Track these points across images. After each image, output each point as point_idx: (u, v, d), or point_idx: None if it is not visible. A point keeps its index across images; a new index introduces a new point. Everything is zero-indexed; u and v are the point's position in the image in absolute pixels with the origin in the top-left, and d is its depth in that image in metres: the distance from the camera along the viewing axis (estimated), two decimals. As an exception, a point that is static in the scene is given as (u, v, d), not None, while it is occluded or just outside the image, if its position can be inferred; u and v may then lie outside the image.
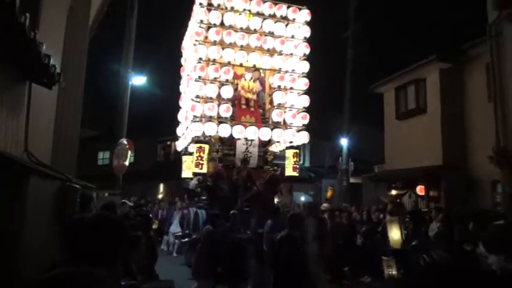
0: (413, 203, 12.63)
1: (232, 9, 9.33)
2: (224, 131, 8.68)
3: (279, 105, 9.36)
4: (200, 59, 8.89)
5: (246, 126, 8.82)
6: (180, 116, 11.02)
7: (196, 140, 8.79)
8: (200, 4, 9.26)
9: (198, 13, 9.26)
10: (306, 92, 9.76)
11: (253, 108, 9.44)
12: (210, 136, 8.80)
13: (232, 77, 9.25)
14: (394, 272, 5.83)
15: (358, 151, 19.22)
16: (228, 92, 8.89)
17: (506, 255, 1.90)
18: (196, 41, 9.03)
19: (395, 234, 6.66)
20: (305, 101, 9.64)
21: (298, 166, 9.44)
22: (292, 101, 9.51)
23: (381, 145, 15.39)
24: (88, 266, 1.50)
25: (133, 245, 4.07)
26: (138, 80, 13.00)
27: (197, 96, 8.84)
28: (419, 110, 13.17)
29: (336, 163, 19.01)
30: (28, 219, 2.78)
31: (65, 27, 4.42)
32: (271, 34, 9.59)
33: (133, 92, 12.42)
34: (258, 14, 9.56)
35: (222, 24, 9.21)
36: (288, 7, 9.77)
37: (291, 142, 9.40)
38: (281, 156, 9.84)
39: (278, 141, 9.52)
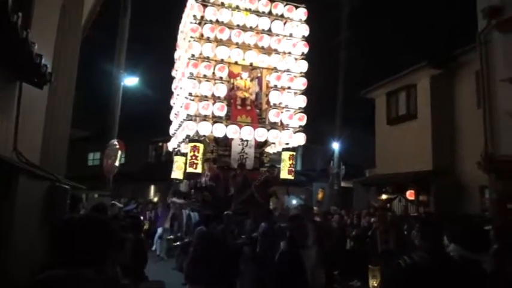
0: (403, 208, 12.74)
1: (228, 5, 9.08)
2: (219, 130, 8.43)
3: (276, 105, 9.09)
4: (193, 55, 8.62)
5: (241, 126, 8.58)
6: (172, 115, 10.81)
7: (190, 139, 8.52)
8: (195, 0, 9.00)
9: (192, 9, 9.02)
10: (304, 93, 9.54)
11: (249, 107, 9.20)
12: (204, 136, 8.55)
13: (228, 76, 9.02)
14: (377, 284, 5.83)
15: (349, 155, 19.36)
16: (222, 90, 8.63)
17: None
18: (191, 37, 8.79)
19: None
20: (302, 101, 9.42)
21: (294, 169, 9.16)
22: (289, 101, 9.26)
23: (372, 150, 15.50)
24: (77, 267, 1.50)
25: (120, 247, 4.03)
26: (130, 80, 12.95)
27: (190, 94, 8.57)
28: (410, 116, 13.31)
29: (328, 167, 19.11)
30: (17, 220, 2.75)
31: (57, 26, 4.40)
32: (268, 32, 9.34)
33: (125, 92, 12.37)
34: (255, 11, 9.30)
35: (217, 21, 8.96)
36: (285, 5, 9.55)
37: (287, 144, 9.16)
38: (276, 159, 9.57)
39: (274, 143, 9.31)
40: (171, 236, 10.34)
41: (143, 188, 22.15)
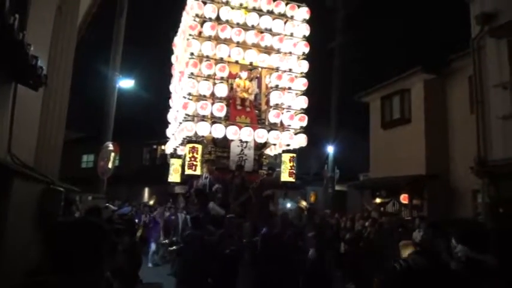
0: (397, 211, 12.80)
1: (228, 3, 8.85)
2: (218, 131, 8.19)
3: (276, 106, 8.87)
4: (192, 54, 8.40)
5: (241, 127, 8.35)
6: (170, 117, 10.57)
7: (188, 140, 8.33)
8: None
9: (192, 7, 8.78)
10: (305, 93, 9.32)
11: (249, 108, 8.96)
12: (202, 137, 8.34)
13: (227, 76, 8.76)
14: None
15: (343, 159, 19.44)
16: (222, 90, 8.41)
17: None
18: (190, 35, 8.57)
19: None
20: (303, 102, 9.19)
21: (294, 171, 8.94)
22: (290, 102, 9.03)
23: (366, 153, 15.58)
24: (69, 271, 1.49)
25: (112, 250, 4.01)
26: (126, 83, 12.89)
27: (189, 94, 8.33)
28: (404, 120, 13.40)
29: (322, 170, 19.17)
30: (10, 222, 2.73)
31: (52, 28, 4.38)
32: (269, 31, 9.08)
33: (120, 94, 12.29)
34: (255, 9, 9.08)
35: (217, 18, 8.73)
36: (287, 4, 9.28)
37: (287, 145, 8.93)
38: (273, 163, 9.41)
39: (274, 144, 9.07)
40: (167, 241, 10.22)
41: (137, 190, 22.04)
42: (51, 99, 4.42)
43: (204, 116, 8.27)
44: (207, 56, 8.50)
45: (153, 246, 10.89)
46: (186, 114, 8.28)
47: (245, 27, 8.89)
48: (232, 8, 8.82)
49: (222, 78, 8.54)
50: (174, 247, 7.93)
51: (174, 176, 9.42)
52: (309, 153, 20.90)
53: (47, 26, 4.20)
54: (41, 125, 4.16)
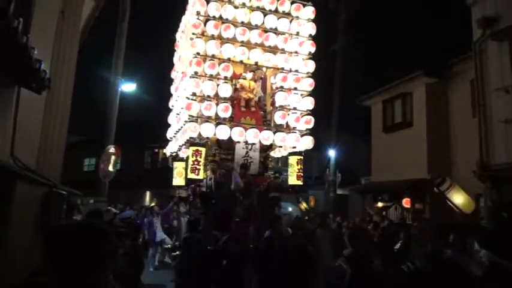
0: (400, 216, 12.76)
1: (232, 2, 8.64)
2: (222, 132, 7.93)
3: (282, 107, 8.64)
4: (198, 53, 8.18)
5: (246, 128, 8.10)
6: (171, 118, 10.37)
7: (192, 143, 8.09)
8: None
9: (194, 5, 8.56)
10: (311, 94, 9.04)
11: (254, 109, 8.72)
12: (207, 138, 8.11)
13: (231, 76, 8.49)
14: None
15: (345, 163, 19.41)
16: (226, 90, 8.17)
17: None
18: (193, 34, 8.33)
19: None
20: (309, 103, 8.91)
21: (302, 174, 8.61)
22: (296, 103, 8.77)
23: (368, 157, 15.56)
24: (70, 272, 1.49)
25: (114, 253, 3.99)
26: (128, 86, 12.94)
27: (193, 94, 8.11)
28: (405, 124, 13.39)
29: (324, 174, 19.14)
30: (13, 225, 2.73)
31: (55, 32, 4.41)
32: (274, 30, 8.83)
33: (122, 98, 12.34)
34: (260, 8, 8.94)
35: (221, 17, 8.51)
36: (292, 3, 9.04)
37: (293, 147, 8.65)
38: (276, 168, 9.14)
39: (280, 146, 8.78)
40: (169, 246, 10.13)
41: (139, 194, 22.04)
42: (54, 102, 4.44)
43: (208, 117, 8.04)
44: (212, 56, 8.26)
45: (150, 250, 10.84)
46: (190, 115, 8.05)
47: (249, 26, 8.67)
48: (236, 8, 8.64)
49: (225, 78, 8.32)
50: (177, 252, 7.80)
51: (178, 180, 9.16)
52: (310, 156, 20.93)
53: (50, 29, 4.22)
54: (44, 128, 4.18)
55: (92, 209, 5.97)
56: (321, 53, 9.48)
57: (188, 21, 9.36)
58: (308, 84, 9.00)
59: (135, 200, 19.50)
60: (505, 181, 8.13)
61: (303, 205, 9.21)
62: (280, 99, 8.63)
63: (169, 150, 10.31)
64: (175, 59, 10.91)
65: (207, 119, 8.01)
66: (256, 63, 8.80)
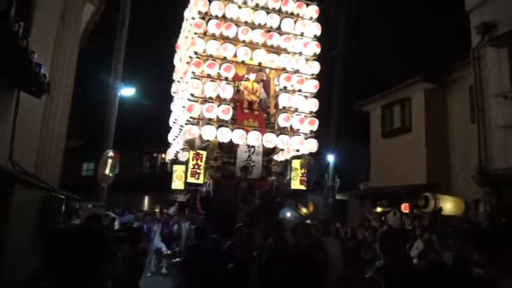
0: (399, 221, 12.74)
1: (233, 1, 8.50)
2: (224, 135, 7.73)
3: (285, 109, 8.44)
4: (196, 53, 8.03)
5: (248, 131, 7.89)
6: (172, 121, 10.22)
7: (192, 146, 7.94)
8: None
9: (196, 4, 8.40)
10: (315, 96, 8.85)
11: (257, 111, 8.51)
12: (208, 141, 7.89)
13: (233, 78, 8.31)
14: None
15: (344, 168, 19.39)
16: (229, 91, 8.00)
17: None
18: (194, 33, 8.21)
19: None
20: (314, 105, 8.70)
21: (306, 178, 8.42)
22: (300, 105, 8.56)
23: (367, 162, 15.56)
24: (68, 276, 1.48)
25: (112, 258, 3.96)
26: (126, 91, 12.93)
27: (193, 95, 7.91)
28: (404, 129, 13.40)
29: (323, 179, 19.11)
30: (11, 229, 2.72)
31: (55, 36, 4.42)
32: (277, 30, 8.65)
33: (121, 103, 12.34)
34: (263, 7, 8.66)
35: (223, 16, 8.30)
36: (295, 2, 8.87)
37: (297, 150, 8.39)
38: (278, 172, 8.84)
39: (283, 149, 8.59)
40: (169, 252, 10.05)
41: (137, 198, 21.99)
42: (53, 106, 4.44)
43: (209, 119, 7.85)
44: (212, 56, 8.08)
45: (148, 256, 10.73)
46: (191, 117, 7.88)
47: (252, 26, 8.49)
48: (240, 7, 8.49)
49: (227, 78, 8.14)
50: (177, 259, 7.61)
51: (177, 183, 9.03)
52: (309, 161, 20.91)
53: (50, 34, 4.23)
54: (42, 132, 4.17)
55: (90, 213, 5.94)
56: (322, 57, 9.43)
57: (189, 22, 9.22)
58: (313, 86, 8.80)
59: (134, 205, 19.46)
60: (504, 186, 8.13)
61: (303, 210, 9.15)
62: (283, 100, 8.43)
63: (170, 154, 10.13)
64: (175, 60, 10.76)
65: (209, 121, 7.83)
66: (259, 64, 8.58)
